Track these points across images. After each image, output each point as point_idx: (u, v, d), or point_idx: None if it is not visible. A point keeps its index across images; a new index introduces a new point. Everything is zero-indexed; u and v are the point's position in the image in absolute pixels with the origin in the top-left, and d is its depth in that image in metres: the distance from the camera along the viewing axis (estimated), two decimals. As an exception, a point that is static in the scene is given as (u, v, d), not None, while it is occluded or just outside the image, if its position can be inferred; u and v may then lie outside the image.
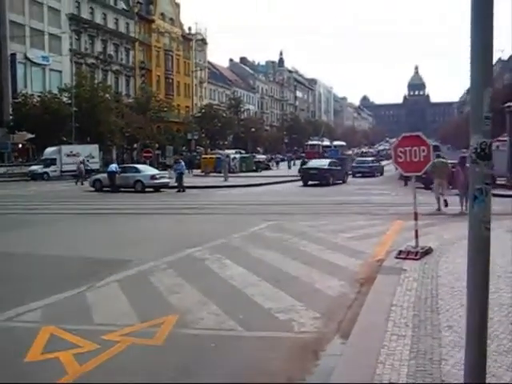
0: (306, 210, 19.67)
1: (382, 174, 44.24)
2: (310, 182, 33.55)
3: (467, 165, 14.38)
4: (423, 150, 9.67)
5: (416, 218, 9.83)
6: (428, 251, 9.64)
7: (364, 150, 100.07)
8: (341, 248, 11.27)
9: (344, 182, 35.56)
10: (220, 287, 8.13)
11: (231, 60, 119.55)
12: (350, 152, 76.12)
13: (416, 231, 9.78)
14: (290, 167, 56.00)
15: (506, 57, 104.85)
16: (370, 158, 51.15)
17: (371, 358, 4.72)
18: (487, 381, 2.90)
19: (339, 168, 35.56)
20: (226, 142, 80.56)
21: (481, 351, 2.70)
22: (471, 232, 2.57)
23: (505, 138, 32.26)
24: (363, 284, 8.12)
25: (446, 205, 17.49)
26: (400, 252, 9.59)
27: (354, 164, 44.56)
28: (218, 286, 8.23)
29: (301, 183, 34.44)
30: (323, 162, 36.20)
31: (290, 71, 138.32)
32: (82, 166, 39.15)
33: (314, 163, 36.58)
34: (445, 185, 17.86)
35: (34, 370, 5.07)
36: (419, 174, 10.05)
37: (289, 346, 5.63)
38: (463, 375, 2.89)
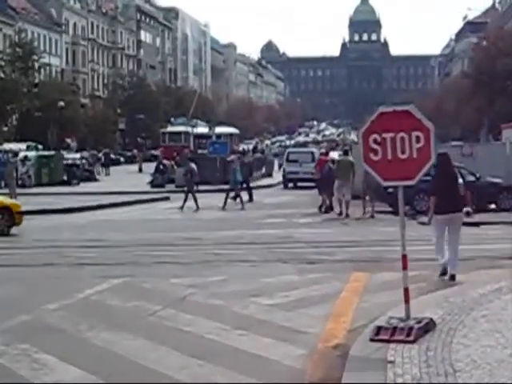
0: (183, 254, 12.17)
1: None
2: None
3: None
4: (417, 138, 5.28)
5: (405, 266, 5.27)
6: (428, 326, 5.25)
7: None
8: (260, 326, 6.33)
9: None
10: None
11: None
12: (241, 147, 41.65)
13: (406, 290, 5.24)
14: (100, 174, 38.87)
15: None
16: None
17: None
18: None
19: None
20: (6, 129, 46.94)
21: None
22: None
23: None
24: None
25: (332, 209, 17.47)
26: (378, 329, 5.24)
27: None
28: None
29: (163, 205, 22.86)
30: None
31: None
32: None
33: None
34: (348, 187, 16.77)
35: None
36: (411, 183, 5.51)
37: None
38: None
